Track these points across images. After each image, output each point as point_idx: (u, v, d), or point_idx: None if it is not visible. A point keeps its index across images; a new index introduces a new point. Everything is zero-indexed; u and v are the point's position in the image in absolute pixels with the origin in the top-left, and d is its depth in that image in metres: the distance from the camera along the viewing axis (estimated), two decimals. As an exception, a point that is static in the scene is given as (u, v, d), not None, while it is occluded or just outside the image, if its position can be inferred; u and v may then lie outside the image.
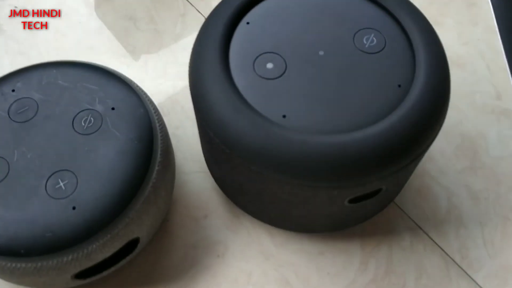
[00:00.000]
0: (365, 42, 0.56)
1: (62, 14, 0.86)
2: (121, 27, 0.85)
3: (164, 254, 0.65)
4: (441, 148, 0.72)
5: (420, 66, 0.54)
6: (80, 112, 0.57)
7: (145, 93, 0.62)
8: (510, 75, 0.79)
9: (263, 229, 0.67)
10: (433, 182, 0.70)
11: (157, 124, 0.59)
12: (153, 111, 0.59)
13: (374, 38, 0.56)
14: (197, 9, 0.87)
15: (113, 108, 0.57)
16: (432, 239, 0.66)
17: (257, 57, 0.55)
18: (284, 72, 0.54)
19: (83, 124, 0.56)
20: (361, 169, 0.50)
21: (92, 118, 0.56)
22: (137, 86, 0.62)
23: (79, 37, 0.84)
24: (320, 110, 0.52)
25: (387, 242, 0.66)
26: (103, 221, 0.52)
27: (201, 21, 0.85)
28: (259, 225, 0.67)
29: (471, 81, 0.78)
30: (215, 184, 0.68)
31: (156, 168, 0.56)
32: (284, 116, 0.51)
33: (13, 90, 0.58)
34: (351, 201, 0.56)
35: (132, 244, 0.58)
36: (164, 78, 0.79)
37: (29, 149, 0.54)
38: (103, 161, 0.54)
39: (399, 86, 0.53)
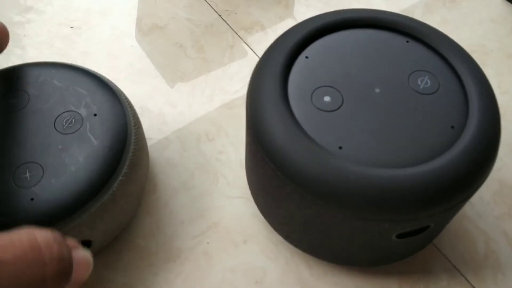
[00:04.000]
0: (419, 83, 0.58)
1: (115, 37, 0.90)
2: (171, 54, 0.88)
3: (202, 276, 0.66)
4: (480, 193, 0.73)
5: (473, 109, 0.56)
6: (65, 112, 0.61)
7: (131, 107, 0.66)
8: (548, 127, 0.80)
9: (301, 259, 0.68)
10: (471, 225, 0.71)
11: (133, 137, 0.62)
12: (133, 125, 0.63)
13: (428, 80, 0.58)
14: (245, 42, 0.90)
15: (95, 114, 0.61)
16: (469, 282, 0.67)
17: (315, 89, 0.58)
18: (341, 106, 0.56)
19: (64, 123, 0.60)
20: (414, 204, 0.52)
21: (73, 120, 0.60)
22: (126, 99, 0.66)
23: (131, 59, 0.87)
24: (375, 144, 0.53)
25: (424, 281, 0.67)
26: (56, 217, 0.54)
27: (247, 52, 0.88)
28: (298, 255, 0.68)
29: (510, 130, 0.79)
30: (257, 211, 0.69)
31: (120, 178, 0.59)
32: (340, 148, 0.53)
33: (13, 81, 0.63)
34: (398, 236, 0.57)
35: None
36: (210, 104, 0.82)
37: (10, 136, 0.58)
38: (71, 161, 0.57)
39: (452, 127, 0.55)
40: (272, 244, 0.69)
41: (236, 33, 0.91)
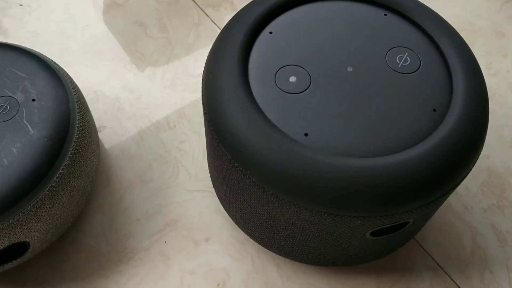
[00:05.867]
0: (398, 61, 0.51)
1: (70, 15, 0.82)
2: (131, 33, 0.80)
3: (158, 279, 0.59)
4: (467, 182, 0.67)
5: (458, 89, 0.49)
6: None
7: (77, 92, 0.59)
8: (539, 110, 0.74)
9: (269, 258, 0.61)
10: (456, 219, 0.65)
11: (76, 126, 0.56)
12: (77, 111, 0.57)
13: (408, 58, 0.52)
14: (212, 20, 0.82)
15: (33, 100, 0.55)
16: (454, 281, 0.61)
17: (279, 69, 0.51)
18: (308, 87, 0.49)
19: None
20: (390, 198, 0.45)
21: (8, 106, 0.55)
22: (71, 83, 0.60)
23: (87, 40, 0.79)
24: (346, 130, 0.47)
25: (405, 281, 0.60)
26: None
27: (215, 32, 0.81)
28: (265, 254, 0.61)
29: (499, 114, 0.73)
30: (220, 206, 0.63)
31: (60, 171, 0.53)
32: (306, 135, 0.46)
33: None
34: (373, 234, 0.50)
35: (20, 249, 0.55)
36: (172, 89, 0.74)
37: None
38: (4, 153, 0.52)
39: (434, 110, 0.48)
40: (236, 242, 0.62)
41: (203, 11, 0.83)
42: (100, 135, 0.70)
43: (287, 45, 0.52)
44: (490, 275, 0.61)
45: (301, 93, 0.49)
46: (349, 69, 0.50)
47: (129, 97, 0.73)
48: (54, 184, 0.53)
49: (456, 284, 0.61)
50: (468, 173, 0.49)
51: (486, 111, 0.51)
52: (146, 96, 0.73)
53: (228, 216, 0.62)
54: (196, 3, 0.84)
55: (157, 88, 0.74)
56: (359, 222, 0.47)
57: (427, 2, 0.84)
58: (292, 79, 0.50)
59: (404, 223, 0.50)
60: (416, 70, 0.51)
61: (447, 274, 0.61)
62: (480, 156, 0.69)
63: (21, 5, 0.83)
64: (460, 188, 0.67)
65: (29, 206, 0.51)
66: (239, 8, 0.83)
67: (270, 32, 0.53)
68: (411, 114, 0.48)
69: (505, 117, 0.73)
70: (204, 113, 0.52)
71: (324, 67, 0.51)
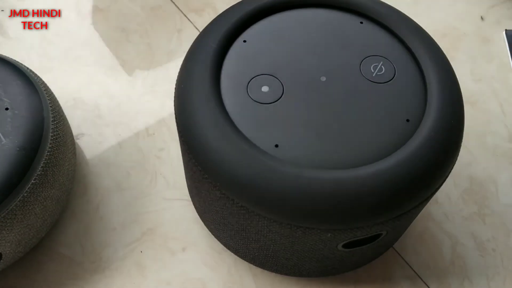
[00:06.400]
0: (372, 70, 0.51)
1: (51, 21, 0.81)
2: (112, 39, 0.79)
3: (134, 290, 0.59)
4: (448, 190, 0.66)
5: (432, 99, 0.48)
6: None
7: (52, 100, 0.59)
8: (523, 117, 0.73)
9: (246, 268, 0.61)
10: (436, 227, 0.64)
11: (50, 134, 0.55)
12: (51, 120, 0.56)
13: (382, 67, 0.51)
14: (194, 26, 0.82)
15: (7, 108, 0.54)
16: (433, 292, 0.60)
17: (251, 78, 0.50)
18: (280, 97, 0.49)
19: None
20: (360, 211, 0.44)
21: None
22: (46, 91, 0.59)
23: (67, 45, 0.78)
24: (317, 141, 0.46)
25: (383, 292, 0.60)
26: None
27: (197, 38, 0.80)
28: (242, 264, 0.61)
29: (482, 120, 0.72)
30: (197, 215, 0.62)
31: (32, 181, 0.52)
32: (276, 146, 0.46)
33: None
34: (345, 246, 0.49)
35: None
36: (152, 95, 0.74)
37: None
38: None
39: (408, 120, 0.48)
40: (213, 251, 0.61)
41: (185, 16, 0.82)
42: (78, 142, 0.69)
43: (260, 54, 0.52)
44: (470, 285, 0.61)
45: (273, 103, 0.48)
46: (323, 78, 0.50)
47: (109, 103, 0.73)
48: (25, 194, 0.52)
49: (435, 294, 0.60)
50: (441, 184, 0.48)
51: (461, 121, 0.50)
52: (126, 103, 0.73)
53: (205, 226, 0.61)
54: (178, 8, 0.83)
55: (137, 95, 0.74)
56: (329, 235, 0.46)
57: (410, 7, 0.84)
58: (265, 88, 0.49)
59: (377, 235, 0.49)
60: (390, 80, 0.50)
61: (426, 284, 0.60)
62: (461, 164, 0.69)
63: (2, 10, 0.82)
64: (441, 197, 0.66)
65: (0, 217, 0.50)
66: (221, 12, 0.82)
67: (244, 41, 0.53)
68: (384, 124, 0.47)
69: (488, 123, 0.72)
70: (176, 123, 0.51)
71: (297, 76, 0.50)
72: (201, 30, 0.82)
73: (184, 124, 0.49)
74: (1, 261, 0.54)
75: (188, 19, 0.82)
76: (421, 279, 0.61)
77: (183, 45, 0.80)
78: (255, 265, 0.58)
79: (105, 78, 0.75)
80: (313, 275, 0.58)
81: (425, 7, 0.85)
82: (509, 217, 0.65)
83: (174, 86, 0.53)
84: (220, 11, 0.83)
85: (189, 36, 0.80)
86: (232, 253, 0.60)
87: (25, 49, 0.78)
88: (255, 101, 0.48)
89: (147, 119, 0.71)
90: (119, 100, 0.73)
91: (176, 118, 0.51)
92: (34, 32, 0.80)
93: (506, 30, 0.82)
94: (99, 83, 0.74)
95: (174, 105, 0.51)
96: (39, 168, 0.53)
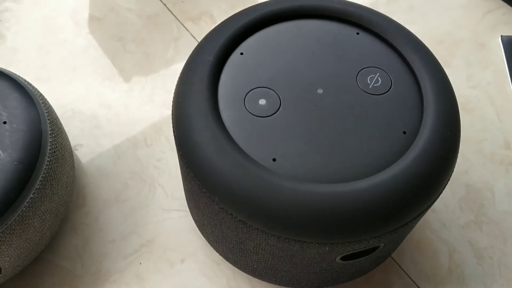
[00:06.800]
0: (369, 82, 0.51)
1: (48, 30, 0.81)
2: (109, 48, 0.79)
3: (134, 301, 0.59)
4: (444, 199, 0.67)
5: (428, 112, 0.49)
6: None
7: (50, 113, 0.59)
8: (519, 123, 0.74)
9: (245, 280, 0.61)
10: (434, 236, 0.64)
11: (48, 148, 0.55)
12: (49, 133, 0.56)
13: (379, 78, 0.51)
14: (191, 34, 0.82)
15: (4, 122, 0.54)
16: (431, 301, 0.60)
17: (249, 91, 0.50)
18: (277, 110, 0.49)
19: None
20: (358, 225, 0.45)
21: None
22: (44, 103, 0.59)
23: (64, 55, 0.78)
24: (314, 155, 0.46)
25: (381, 301, 0.60)
26: None
27: (194, 46, 0.80)
28: (241, 275, 0.61)
29: (479, 127, 0.73)
30: (196, 226, 0.62)
31: (31, 196, 0.53)
32: (274, 160, 0.46)
33: None
34: (343, 259, 0.50)
35: None
36: (150, 105, 0.74)
37: None
38: None
39: (404, 133, 0.48)
40: (212, 262, 0.62)
41: (183, 24, 0.83)
42: (76, 153, 0.69)
43: (257, 66, 0.52)
44: (468, 293, 0.61)
45: (270, 117, 0.49)
46: (320, 90, 0.50)
47: (106, 114, 0.73)
48: (24, 209, 0.52)
49: (433, 302, 0.60)
50: (438, 196, 0.49)
51: (458, 132, 0.50)
52: (124, 113, 0.73)
53: (203, 237, 0.61)
54: (175, 17, 0.83)
55: (134, 104, 0.74)
56: (327, 248, 0.46)
57: (406, 14, 0.84)
58: (262, 101, 0.49)
59: (375, 248, 0.49)
60: (387, 91, 0.50)
61: (424, 292, 0.61)
62: (458, 171, 0.69)
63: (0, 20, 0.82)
64: (438, 205, 0.66)
65: None
66: (218, 20, 0.83)
67: (241, 53, 0.53)
68: (381, 137, 0.47)
69: (485, 130, 0.72)
70: (174, 136, 0.51)
71: (294, 89, 0.50)
72: (198, 38, 0.82)
73: (182, 138, 0.49)
74: (0, 275, 0.55)
75: (185, 28, 0.82)
76: (419, 288, 0.61)
77: (180, 54, 0.80)
78: (254, 277, 0.59)
79: (103, 88, 0.75)
80: (312, 286, 0.58)
81: (421, 13, 0.86)
82: (506, 225, 0.66)
83: (172, 98, 0.53)
84: (217, 19, 0.84)
85: (186, 45, 0.81)
86: (230, 264, 0.61)
87: (24, 59, 0.78)
88: (252, 114, 0.49)
89: (145, 129, 0.71)
90: (117, 110, 0.73)
91: (174, 132, 0.51)
92: (32, 42, 0.80)
93: (502, 36, 0.82)
94: (96, 93, 0.74)
95: (172, 119, 0.52)
96: (38, 182, 0.53)
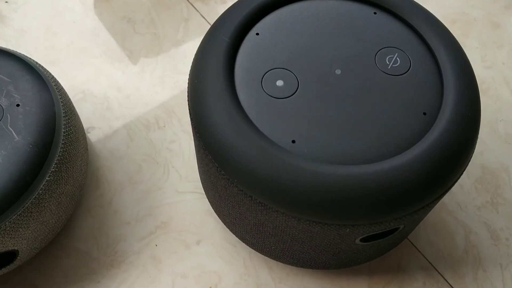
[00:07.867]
0: (388, 62, 0.50)
1: (56, 12, 0.80)
2: (118, 30, 0.78)
3: (150, 283, 0.59)
4: (460, 180, 0.66)
5: (449, 92, 0.48)
6: None
7: (62, 95, 0.58)
8: (535, 103, 0.73)
9: (261, 261, 0.61)
10: (450, 217, 0.64)
11: (62, 130, 0.55)
12: (63, 116, 0.56)
13: (398, 59, 0.50)
14: (201, 15, 0.81)
15: (18, 105, 0.54)
16: (447, 281, 0.60)
17: (266, 72, 0.49)
18: (295, 91, 0.48)
19: None
20: (379, 207, 0.44)
21: None
22: (56, 86, 0.58)
23: (72, 37, 0.78)
24: (334, 136, 0.46)
25: (397, 282, 0.60)
26: None
27: (205, 27, 0.79)
28: (257, 256, 0.61)
29: (494, 108, 0.72)
30: (211, 207, 0.62)
31: (47, 178, 0.52)
32: (293, 142, 0.45)
33: None
34: (363, 240, 0.49)
35: (8, 257, 0.54)
36: (161, 87, 0.73)
37: None
38: None
39: (424, 114, 0.47)
40: (228, 244, 0.62)
41: (192, 5, 0.81)
42: (89, 136, 0.69)
43: (274, 47, 0.51)
44: (484, 274, 0.61)
45: (288, 98, 0.48)
46: (338, 71, 0.49)
47: (118, 96, 0.72)
48: (40, 191, 0.52)
49: (449, 284, 0.60)
50: (459, 177, 0.48)
51: (478, 114, 0.49)
52: (135, 95, 0.72)
53: (219, 219, 0.61)
54: (185, -3, 0.82)
55: (146, 86, 0.73)
56: (348, 230, 0.46)
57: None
58: (279, 83, 0.49)
59: (395, 229, 0.49)
60: (406, 72, 0.50)
61: (440, 274, 0.61)
62: (474, 152, 0.68)
63: (6, 1, 0.81)
64: (454, 186, 0.66)
65: (15, 216, 0.50)
66: (229, 2, 0.81)
67: (257, 34, 0.52)
68: (401, 118, 0.47)
69: (500, 111, 0.72)
70: (191, 119, 0.51)
71: (312, 69, 0.49)
72: (208, 19, 0.81)
73: (199, 120, 0.48)
74: (18, 258, 0.55)
75: (195, 8, 0.81)
76: (435, 269, 0.61)
77: (190, 35, 0.79)
78: (271, 258, 0.59)
79: (113, 69, 0.74)
80: (329, 267, 0.58)
81: (434, -8, 0.84)
82: (521, 205, 0.65)
83: (185, 80, 0.52)
84: (227, 0, 0.83)
85: (196, 26, 0.80)
86: (246, 246, 0.61)
87: (32, 41, 0.77)
88: (270, 95, 0.48)
89: (157, 111, 0.71)
90: (128, 92, 0.72)
91: (190, 114, 0.50)
92: (40, 23, 0.79)
93: (517, 14, 0.81)
94: (107, 75, 0.74)
95: (188, 101, 0.51)
96: (53, 165, 0.53)
